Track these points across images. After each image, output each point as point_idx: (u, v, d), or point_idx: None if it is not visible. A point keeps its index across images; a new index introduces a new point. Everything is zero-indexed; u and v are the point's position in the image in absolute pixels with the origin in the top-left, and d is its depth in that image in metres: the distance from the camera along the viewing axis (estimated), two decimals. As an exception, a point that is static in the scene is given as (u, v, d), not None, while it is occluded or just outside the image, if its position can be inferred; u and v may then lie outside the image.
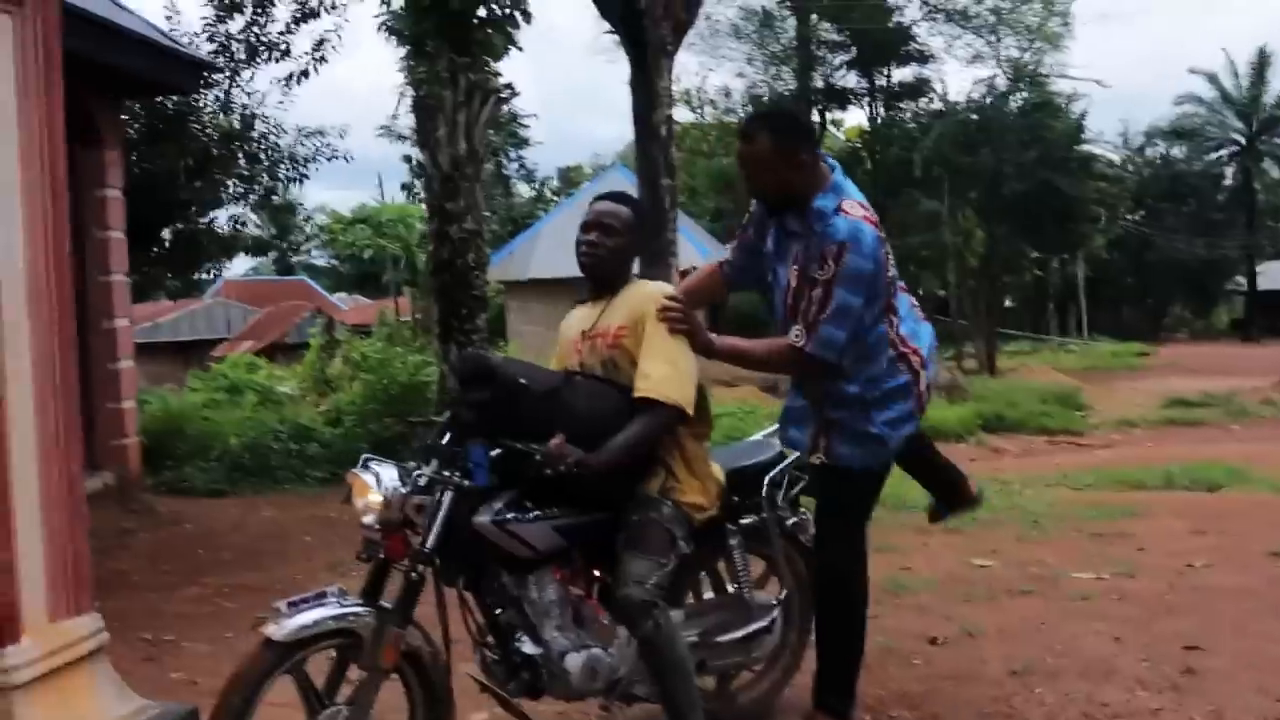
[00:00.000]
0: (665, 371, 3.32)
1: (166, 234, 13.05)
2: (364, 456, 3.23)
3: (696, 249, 23.16)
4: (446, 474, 3.12)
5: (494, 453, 3.13)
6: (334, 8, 13.57)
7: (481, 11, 10.09)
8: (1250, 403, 21.04)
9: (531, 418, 3.19)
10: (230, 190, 15.68)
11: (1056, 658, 4.57)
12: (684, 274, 11.87)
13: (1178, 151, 51.17)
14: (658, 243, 11.48)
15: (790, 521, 3.95)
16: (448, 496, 3.10)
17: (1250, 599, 5.55)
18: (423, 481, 3.13)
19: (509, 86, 10.71)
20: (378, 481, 3.10)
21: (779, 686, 4.06)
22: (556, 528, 3.28)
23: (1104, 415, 21.42)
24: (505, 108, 11.12)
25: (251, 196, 16.60)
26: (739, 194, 31.32)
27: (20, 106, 2.84)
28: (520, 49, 10.30)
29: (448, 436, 3.27)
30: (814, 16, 32.13)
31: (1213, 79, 48.70)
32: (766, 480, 3.84)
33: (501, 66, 10.48)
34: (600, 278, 3.58)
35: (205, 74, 10.71)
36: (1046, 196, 31.35)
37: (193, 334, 36.95)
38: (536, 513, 3.25)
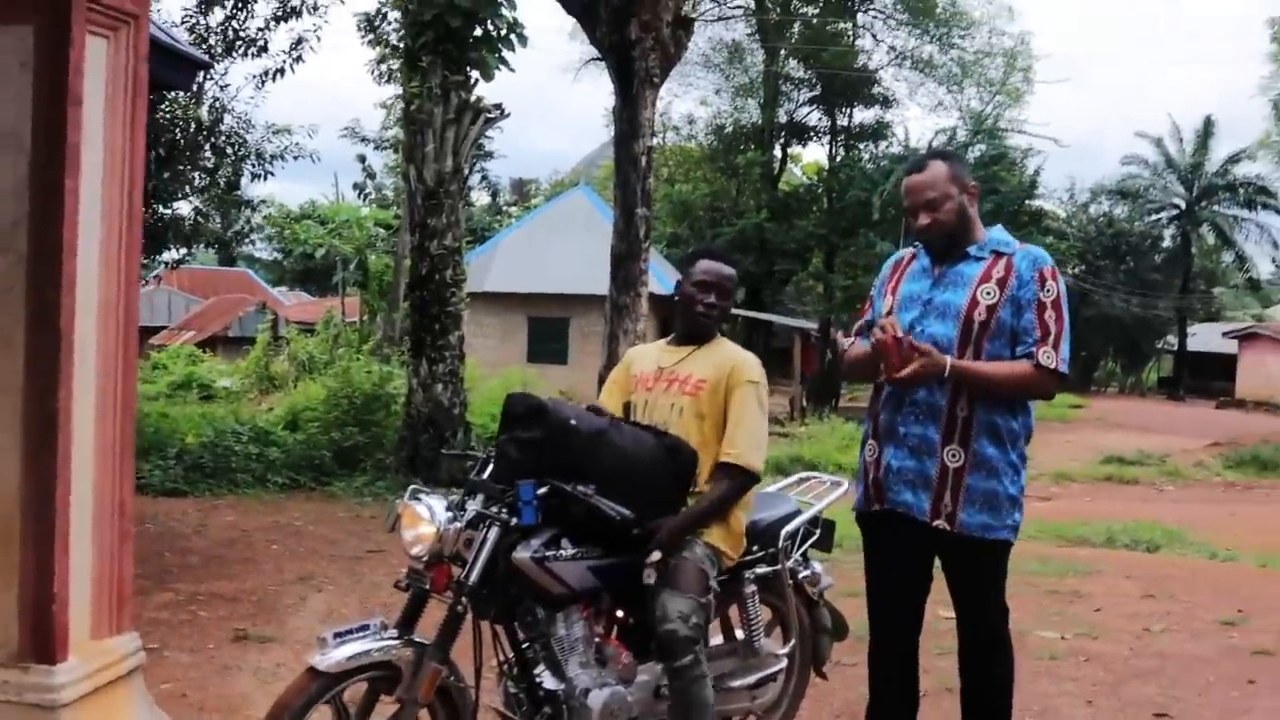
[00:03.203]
0: (751, 441, 3.51)
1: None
2: (411, 487, 3.28)
3: (657, 278, 23.27)
4: (494, 510, 3.18)
5: (540, 491, 3.19)
6: (315, 8, 13.58)
7: (477, 31, 10.14)
8: (1183, 464, 21.51)
9: (577, 458, 3.26)
10: (194, 183, 15.57)
11: (1035, 717, 4.71)
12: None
13: (1120, 211, 52.19)
14: (631, 270, 11.58)
15: (801, 574, 4.06)
16: (493, 532, 3.16)
17: (1208, 667, 5.76)
18: (470, 516, 3.19)
19: (498, 106, 10.69)
20: (431, 514, 3.14)
21: (777, 733, 4.15)
22: (591, 567, 3.36)
23: (1041, 467, 21.73)
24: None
25: (214, 189, 16.47)
26: (696, 222, 31.57)
27: (107, 126, 2.87)
28: (513, 70, 10.35)
29: (489, 471, 3.34)
30: (782, 53, 32.52)
31: (1158, 143, 49.88)
32: (783, 534, 3.93)
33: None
34: (706, 333, 3.72)
35: (200, 72, 10.64)
36: (998, 248, 31.83)
37: (133, 320, 36.23)
38: (574, 551, 3.33)
